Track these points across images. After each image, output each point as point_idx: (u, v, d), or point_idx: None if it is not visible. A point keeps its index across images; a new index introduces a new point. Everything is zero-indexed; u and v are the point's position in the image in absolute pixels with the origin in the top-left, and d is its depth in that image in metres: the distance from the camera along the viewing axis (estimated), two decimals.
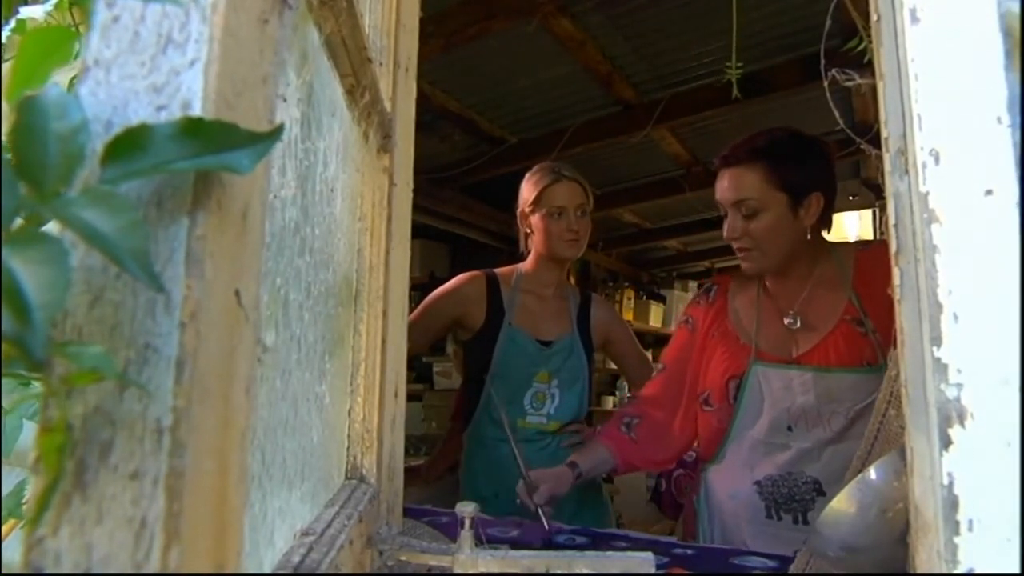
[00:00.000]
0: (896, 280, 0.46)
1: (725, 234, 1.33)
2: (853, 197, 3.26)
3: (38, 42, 0.42)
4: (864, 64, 0.75)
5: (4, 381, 0.41)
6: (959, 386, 0.34)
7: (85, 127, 0.25)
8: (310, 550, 0.50)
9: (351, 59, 0.63)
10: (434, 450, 2.24)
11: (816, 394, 1.24)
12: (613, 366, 3.03)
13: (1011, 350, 0.33)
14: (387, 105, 0.82)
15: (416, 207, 0.92)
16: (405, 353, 0.88)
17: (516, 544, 1.14)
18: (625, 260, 5.40)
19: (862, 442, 0.91)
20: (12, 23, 0.51)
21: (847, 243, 2.00)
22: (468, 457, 1.70)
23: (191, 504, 0.24)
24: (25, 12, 0.51)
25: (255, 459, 0.43)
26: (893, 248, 0.46)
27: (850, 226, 3.45)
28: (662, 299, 5.47)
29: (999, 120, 0.35)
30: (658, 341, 5.32)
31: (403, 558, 0.68)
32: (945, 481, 0.34)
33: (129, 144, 0.25)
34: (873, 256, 1.29)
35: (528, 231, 1.72)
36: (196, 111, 0.26)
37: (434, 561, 0.68)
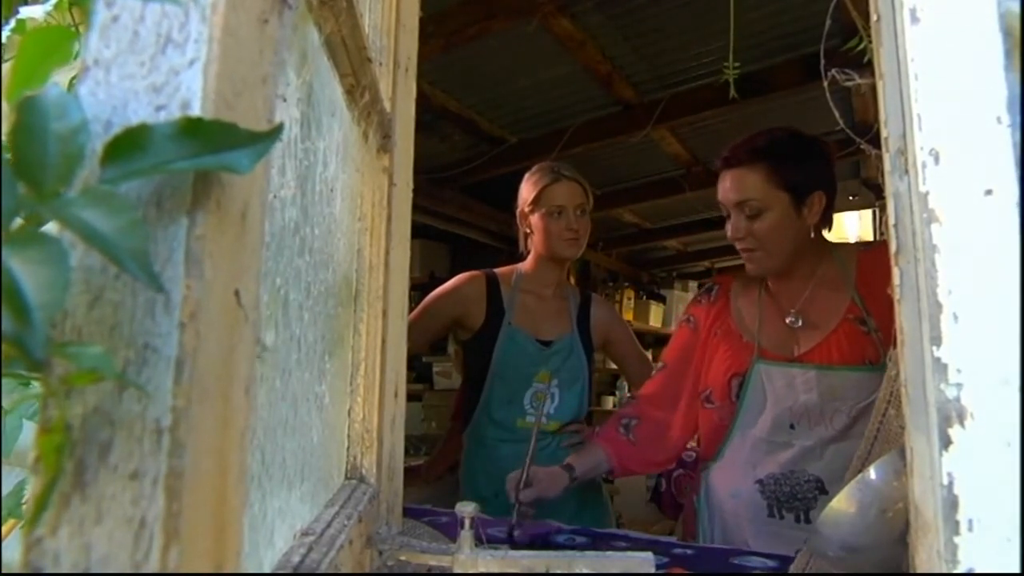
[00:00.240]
0: (896, 280, 0.46)
1: (729, 235, 1.33)
2: (853, 197, 3.26)
3: (38, 42, 0.42)
4: (864, 64, 0.75)
5: (4, 381, 0.41)
6: (959, 386, 0.34)
7: (84, 127, 0.25)
8: (310, 550, 0.50)
9: (351, 59, 0.63)
10: (434, 450, 2.24)
11: (819, 392, 1.24)
12: (613, 366, 3.03)
13: (1011, 350, 0.33)
14: (387, 105, 0.82)
15: (416, 207, 0.92)
16: (405, 353, 0.88)
17: (516, 544, 1.14)
18: (625, 260, 5.40)
19: (862, 442, 0.91)
20: (12, 23, 0.51)
21: (849, 244, 2.01)
22: (468, 457, 1.70)
23: (190, 504, 0.24)
24: (25, 12, 0.51)
25: (255, 459, 0.43)
26: (893, 248, 0.46)
27: (850, 226, 3.45)
28: (662, 299, 5.47)
29: (999, 120, 0.35)
30: (658, 341, 5.32)
31: (403, 558, 0.68)
32: (945, 481, 0.34)
33: (128, 144, 0.25)
34: (875, 256, 1.30)
35: (528, 231, 1.72)
36: (195, 111, 0.26)
37: (434, 561, 0.68)
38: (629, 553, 0.66)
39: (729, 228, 1.33)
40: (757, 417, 1.30)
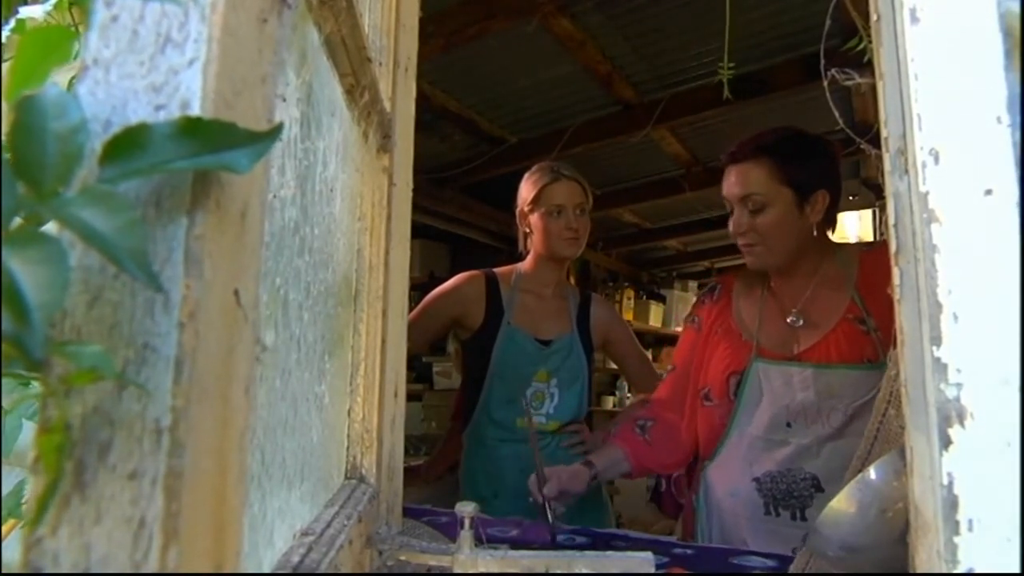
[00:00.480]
0: (896, 280, 0.46)
1: (731, 229, 1.34)
2: (853, 197, 3.26)
3: (37, 42, 0.42)
4: (864, 64, 0.75)
5: (4, 381, 0.41)
6: (959, 386, 0.34)
7: (84, 126, 0.25)
8: (309, 550, 0.49)
9: (351, 59, 0.63)
10: (434, 450, 2.24)
11: (816, 390, 1.24)
12: (613, 366, 3.03)
13: (1011, 350, 0.33)
14: (387, 105, 0.82)
15: (416, 207, 0.92)
16: (405, 353, 0.88)
17: (516, 544, 1.14)
18: (625, 260, 5.40)
19: (862, 441, 0.91)
20: (12, 23, 0.51)
21: (851, 244, 2.01)
22: (468, 457, 1.70)
23: (190, 504, 0.24)
24: (25, 12, 0.51)
25: (254, 459, 0.43)
26: (893, 248, 0.46)
27: (850, 226, 3.44)
28: (662, 299, 5.47)
29: (999, 120, 0.35)
30: (658, 341, 5.32)
31: (403, 558, 0.68)
32: (945, 481, 0.34)
33: (128, 143, 0.25)
34: (876, 257, 1.30)
35: (527, 230, 1.72)
36: (195, 110, 0.26)
37: (434, 561, 0.68)
38: (629, 553, 0.65)
39: (731, 223, 1.34)
40: (754, 415, 1.31)
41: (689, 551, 1.15)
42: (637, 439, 1.42)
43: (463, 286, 1.72)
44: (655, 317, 5.30)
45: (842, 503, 0.74)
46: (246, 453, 0.30)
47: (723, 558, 1.13)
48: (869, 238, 3.28)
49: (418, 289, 2.91)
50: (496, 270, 1.76)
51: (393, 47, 0.85)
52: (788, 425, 1.26)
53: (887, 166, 0.45)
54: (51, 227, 0.24)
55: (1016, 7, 0.36)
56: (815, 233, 1.30)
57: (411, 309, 1.59)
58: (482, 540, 0.73)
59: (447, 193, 3.40)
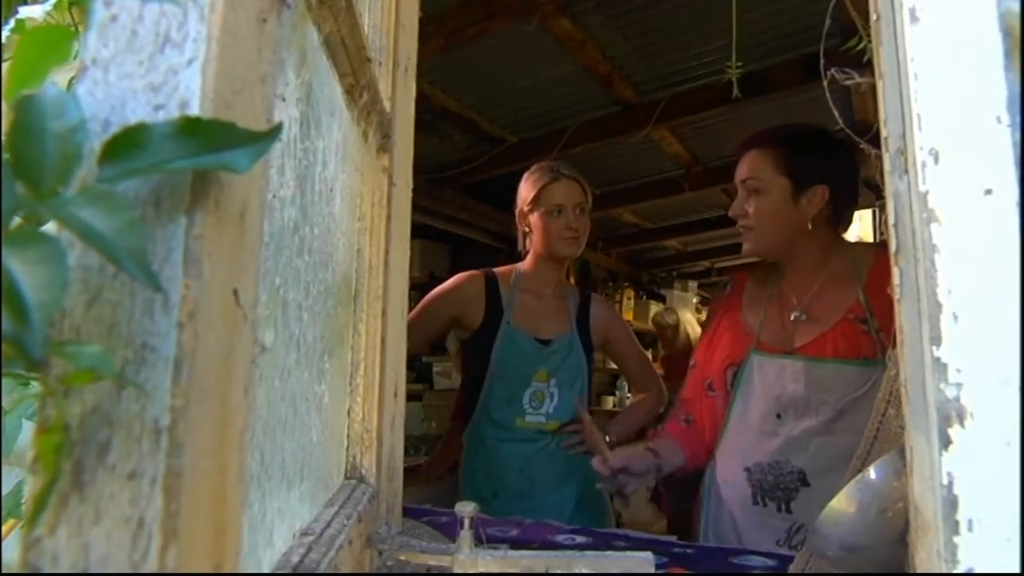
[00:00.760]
0: (896, 280, 0.46)
1: (730, 212, 1.39)
2: None
3: (36, 41, 0.42)
4: (864, 64, 0.75)
5: (3, 381, 0.40)
6: (959, 386, 0.34)
7: (83, 126, 0.25)
8: (309, 550, 0.49)
9: (350, 59, 0.63)
10: (434, 450, 2.24)
11: (806, 383, 1.26)
12: (613, 366, 3.03)
13: (1011, 350, 0.33)
14: (386, 105, 0.81)
15: (416, 207, 0.92)
16: (405, 353, 0.88)
17: (516, 544, 1.14)
18: (625, 260, 5.41)
19: (862, 441, 0.91)
20: (11, 23, 0.51)
21: (868, 243, 2.03)
22: (468, 457, 1.70)
23: (189, 504, 0.24)
24: (24, 12, 0.51)
25: (254, 459, 0.43)
26: (893, 248, 0.46)
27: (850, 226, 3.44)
28: (662, 299, 5.47)
29: (999, 120, 0.35)
30: (658, 341, 5.32)
31: (402, 558, 0.68)
32: (945, 481, 0.34)
33: (127, 143, 0.25)
34: (887, 257, 1.31)
35: (527, 230, 1.72)
36: (194, 110, 0.26)
37: (433, 561, 0.68)
38: (629, 553, 0.65)
39: (732, 205, 1.39)
40: (749, 406, 1.33)
41: (689, 551, 1.16)
42: (687, 430, 1.45)
43: (463, 286, 1.72)
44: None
45: (842, 503, 0.74)
46: (245, 453, 0.30)
47: (723, 558, 1.13)
48: (869, 238, 3.28)
49: (418, 289, 2.91)
50: (496, 270, 1.76)
51: (393, 47, 0.85)
52: (778, 416, 1.28)
53: (887, 166, 0.45)
54: (50, 227, 0.24)
55: (1016, 7, 0.36)
56: (811, 227, 1.31)
57: (411, 309, 1.59)
58: (482, 540, 0.73)
59: (447, 193, 3.40)
